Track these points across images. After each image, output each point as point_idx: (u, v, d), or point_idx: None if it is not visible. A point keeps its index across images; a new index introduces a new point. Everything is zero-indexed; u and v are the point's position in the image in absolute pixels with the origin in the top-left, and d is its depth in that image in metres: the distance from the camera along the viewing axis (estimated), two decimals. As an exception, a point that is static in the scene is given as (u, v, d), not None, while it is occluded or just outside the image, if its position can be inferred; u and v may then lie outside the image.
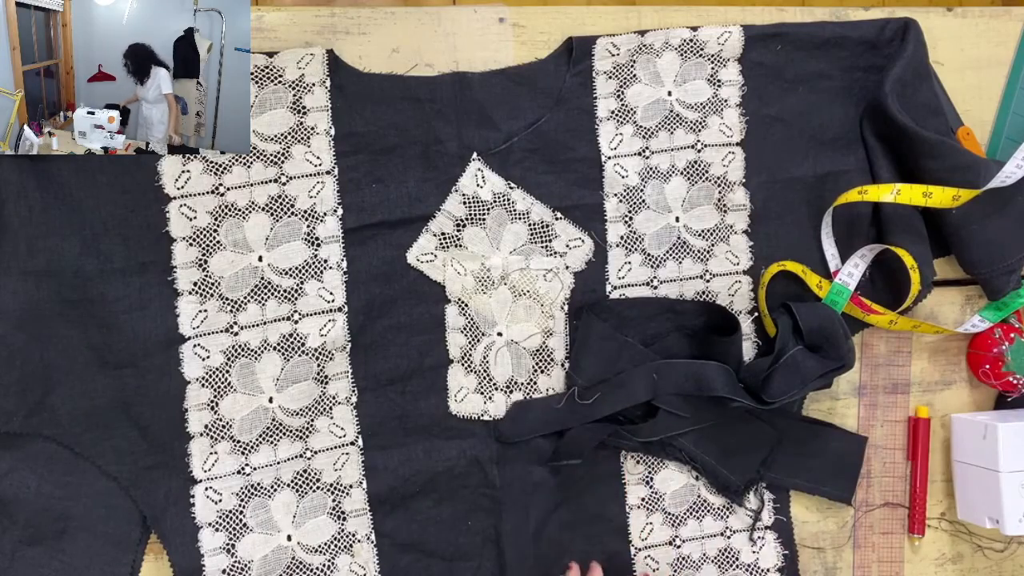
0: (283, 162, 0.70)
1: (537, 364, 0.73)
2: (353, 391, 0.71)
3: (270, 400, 0.70)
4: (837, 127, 0.77)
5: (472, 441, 0.72)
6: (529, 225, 0.73)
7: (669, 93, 0.75)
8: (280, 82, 0.70)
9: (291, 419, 0.70)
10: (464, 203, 0.72)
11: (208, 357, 0.69)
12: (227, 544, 0.69)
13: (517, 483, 0.73)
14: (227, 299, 0.69)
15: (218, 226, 0.69)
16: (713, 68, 0.76)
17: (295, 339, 0.70)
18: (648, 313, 0.74)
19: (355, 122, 0.71)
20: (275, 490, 0.70)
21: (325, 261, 0.71)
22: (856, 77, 0.77)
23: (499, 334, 0.73)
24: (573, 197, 0.74)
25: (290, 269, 0.70)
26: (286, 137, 0.70)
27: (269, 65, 0.70)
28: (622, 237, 0.74)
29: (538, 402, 0.73)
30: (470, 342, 0.72)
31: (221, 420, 0.69)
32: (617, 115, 0.74)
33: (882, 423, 0.79)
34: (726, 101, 0.76)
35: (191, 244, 0.69)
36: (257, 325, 0.70)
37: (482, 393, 0.73)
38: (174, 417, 0.68)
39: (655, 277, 0.75)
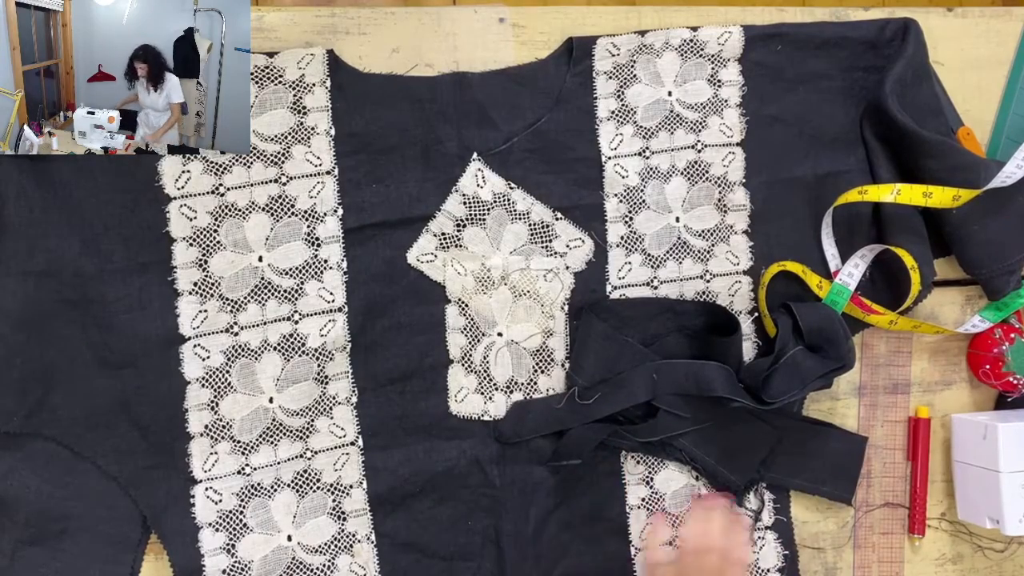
0: (283, 162, 0.70)
1: (537, 364, 0.73)
2: (353, 391, 0.71)
3: (270, 400, 0.70)
4: (837, 127, 0.77)
5: (472, 441, 0.72)
6: (529, 225, 0.73)
7: (669, 93, 0.75)
8: (280, 82, 0.70)
9: (291, 419, 0.70)
10: (464, 203, 0.72)
11: (208, 357, 0.69)
12: (227, 544, 0.69)
13: (517, 483, 0.73)
14: (227, 299, 0.69)
15: (218, 226, 0.69)
16: (713, 68, 0.76)
17: (295, 339, 0.70)
18: (648, 313, 0.74)
19: (355, 122, 0.71)
20: (275, 490, 0.70)
21: (325, 261, 0.71)
22: (856, 77, 0.77)
23: (499, 334, 0.73)
24: (573, 197, 0.74)
25: (290, 269, 0.70)
26: (286, 137, 0.70)
27: (269, 65, 0.70)
28: (622, 237, 0.74)
29: (538, 402, 0.73)
30: (470, 342, 0.72)
31: (221, 420, 0.69)
32: (617, 115, 0.74)
33: (882, 423, 0.79)
34: (726, 101, 0.76)
35: (191, 244, 0.69)
36: (257, 325, 0.70)
37: (482, 393, 0.73)
38: (174, 417, 0.68)
39: (655, 277, 0.75)
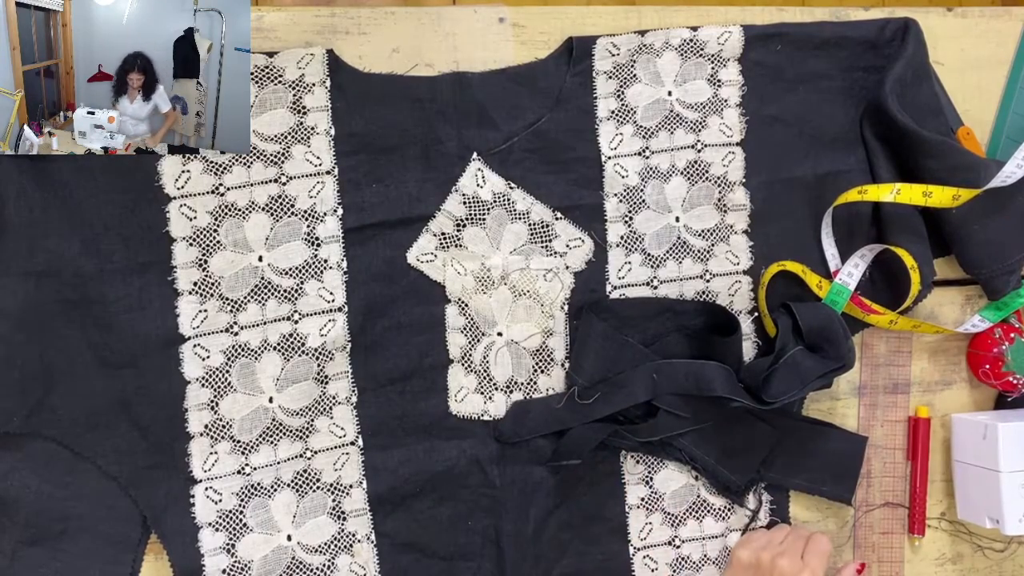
0: (283, 162, 0.70)
1: (537, 364, 0.73)
2: (353, 391, 0.71)
3: (270, 400, 0.70)
4: (837, 127, 0.77)
5: (472, 441, 0.72)
6: (529, 225, 0.73)
7: (669, 93, 0.75)
8: (280, 82, 0.70)
9: (291, 419, 0.70)
10: (464, 203, 0.72)
11: (208, 357, 0.69)
12: (227, 544, 0.69)
13: (517, 483, 0.73)
14: (227, 299, 0.69)
15: (218, 226, 0.69)
16: (713, 68, 0.76)
17: (295, 339, 0.70)
18: (648, 313, 0.74)
19: (355, 122, 0.71)
20: (275, 490, 0.70)
21: (325, 261, 0.71)
22: (856, 77, 0.77)
23: (499, 334, 0.73)
24: (573, 197, 0.74)
25: (290, 269, 0.70)
26: (286, 137, 0.70)
27: (269, 65, 0.70)
28: (622, 237, 0.74)
29: (538, 402, 0.73)
30: (470, 342, 0.72)
31: (221, 420, 0.69)
32: (617, 115, 0.74)
33: (882, 423, 0.79)
34: (726, 101, 0.76)
35: (191, 244, 0.69)
36: (257, 325, 0.70)
37: (482, 393, 0.73)
38: (174, 417, 0.68)
39: (655, 277, 0.75)
